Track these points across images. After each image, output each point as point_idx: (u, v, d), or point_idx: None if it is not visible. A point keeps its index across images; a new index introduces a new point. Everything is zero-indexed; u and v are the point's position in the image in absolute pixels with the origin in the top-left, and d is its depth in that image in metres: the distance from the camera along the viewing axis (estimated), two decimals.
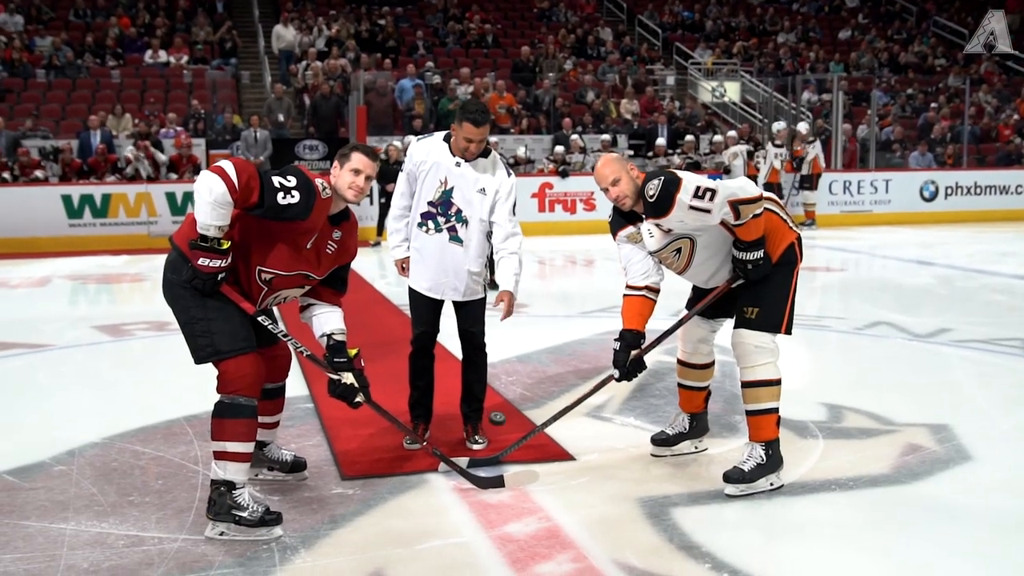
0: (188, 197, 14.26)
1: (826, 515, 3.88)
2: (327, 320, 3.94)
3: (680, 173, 4.00)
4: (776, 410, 4.12)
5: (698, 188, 3.90)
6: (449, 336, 4.95)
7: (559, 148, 16.29)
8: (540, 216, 15.64)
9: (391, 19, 21.42)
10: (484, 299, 4.68)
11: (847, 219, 17.04)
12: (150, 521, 3.81)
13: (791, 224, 4.26)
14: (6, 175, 14.48)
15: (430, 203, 4.52)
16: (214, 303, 3.65)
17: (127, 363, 6.96)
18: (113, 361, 7.02)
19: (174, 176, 15.08)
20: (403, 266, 4.72)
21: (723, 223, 4.00)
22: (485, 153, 4.54)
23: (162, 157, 15.13)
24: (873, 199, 17.53)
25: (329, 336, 3.90)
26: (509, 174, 4.60)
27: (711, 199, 3.89)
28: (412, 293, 4.68)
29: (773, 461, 4.09)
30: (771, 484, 4.08)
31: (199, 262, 3.56)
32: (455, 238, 4.52)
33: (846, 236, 15.25)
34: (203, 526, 3.68)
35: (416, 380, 4.76)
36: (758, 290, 4.12)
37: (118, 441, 4.85)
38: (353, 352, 3.89)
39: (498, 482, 4.11)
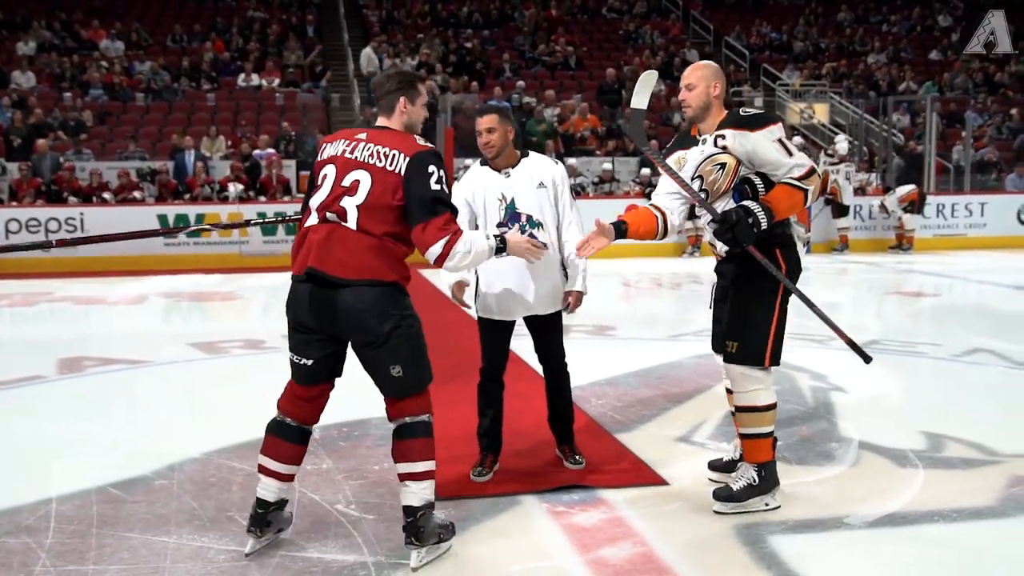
0: (279, 215, 14.58)
1: (928, 548, 3.77)
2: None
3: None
4: (769, 434, 4.11)
5: (778, 136, 3.95)
6: (529, 353, 4.91)
7: (645, 171, 16.22)
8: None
9: (477, 42, 21.64)
10: (561, 313, 4.59)
11: (940, 243, 16.64)
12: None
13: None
14: (106, 194, 14.98)
15: (499, 224, 4.44)
16: (422, 330, 3.65)
17: (223, 380, 7.10)
18: (209, 378, 7.17)
19: (263, 198, 15.41)
20: (460, 290, 4.60)
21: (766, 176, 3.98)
22: (524, 155, 4.51)
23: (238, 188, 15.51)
24: (968, 222, 17.09)
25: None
26: (556, 162, 4.61)
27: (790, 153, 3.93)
28: (486, 323, 4.56)
29: (766, 482, 4.07)
30: (766, 505, 4.06)
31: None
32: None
33: (940, 260, 14.88)
34: (303, 544, 3.73)
35: (485, 408, 4.64)
36: (738, 322, 4.05)
37: (216, 457, 4.95)
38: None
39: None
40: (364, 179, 3.53)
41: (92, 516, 4.12)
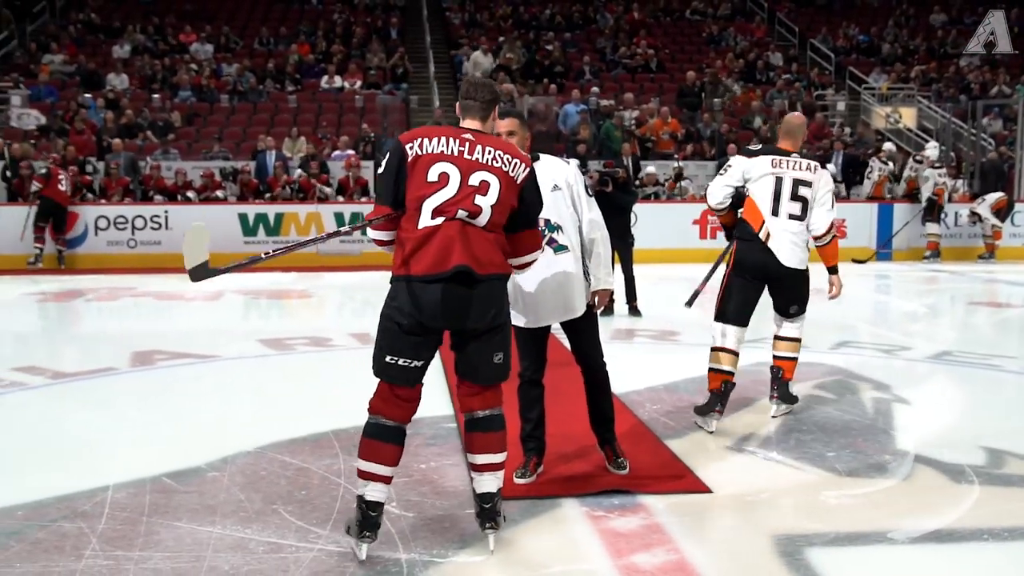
0: (357, 217, 14.78)
1: (975, 566, 3.68)
2: None
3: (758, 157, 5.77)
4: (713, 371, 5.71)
5: (729, 167, 5.75)
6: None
7: None
8: (701, 243, 15.37)
9: (558, 44, 21.65)
10: (593, 313, 4.55)
11: None
12: (290, 529, 3.95)
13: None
14: (190, 193, 15.40)
15: None
16: None
17: (286, 376, 7.25)
18: (272, 373, 7.32)
19: (342, 198, 15.66)
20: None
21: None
22: (536, 159, 4.41)
23: (327, 190, 15.69)
24: None
25: None
26: (568, 162, 4.59)
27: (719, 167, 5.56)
28: (520, 331, 4.47)
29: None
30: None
31: None
32: (559, 247, 4.38)
33: None
34: (339, 539, 3.79)
35: (527, 412, 4.60)
36: None
37: (269, 451, 5.06)
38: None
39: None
40: (492, 181, 3.63)
41: (144, 504, 4.25)
